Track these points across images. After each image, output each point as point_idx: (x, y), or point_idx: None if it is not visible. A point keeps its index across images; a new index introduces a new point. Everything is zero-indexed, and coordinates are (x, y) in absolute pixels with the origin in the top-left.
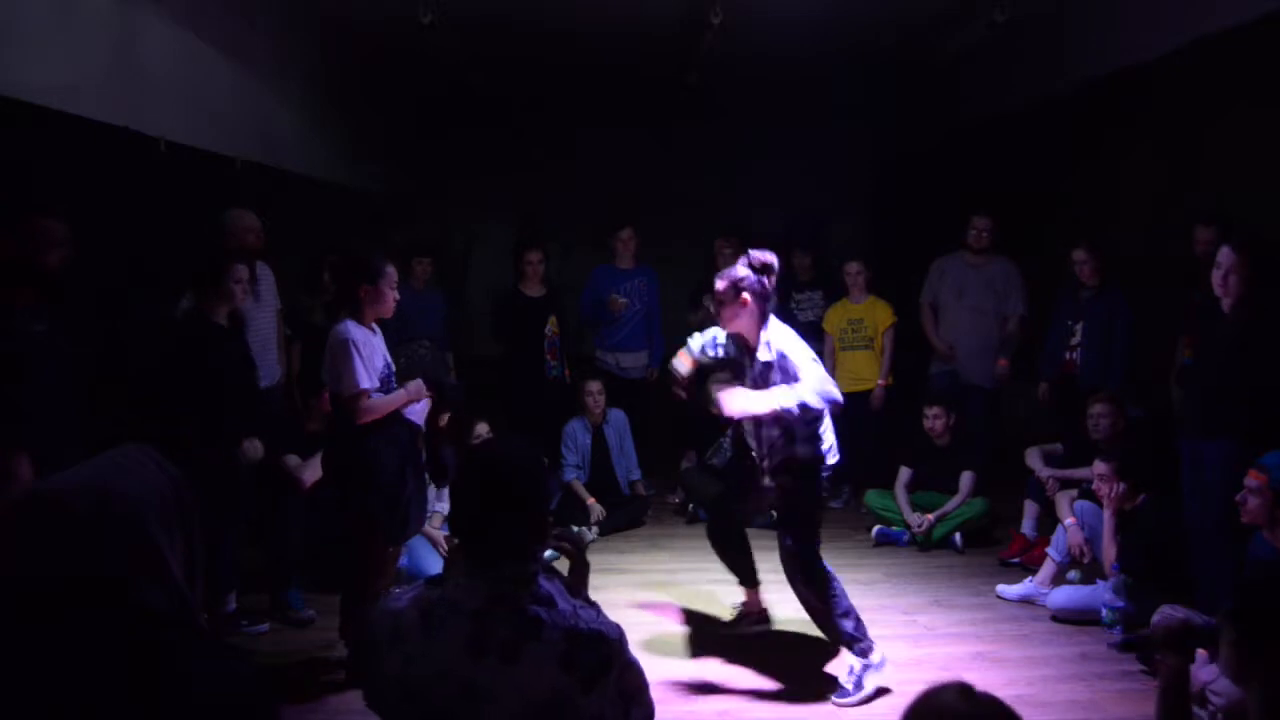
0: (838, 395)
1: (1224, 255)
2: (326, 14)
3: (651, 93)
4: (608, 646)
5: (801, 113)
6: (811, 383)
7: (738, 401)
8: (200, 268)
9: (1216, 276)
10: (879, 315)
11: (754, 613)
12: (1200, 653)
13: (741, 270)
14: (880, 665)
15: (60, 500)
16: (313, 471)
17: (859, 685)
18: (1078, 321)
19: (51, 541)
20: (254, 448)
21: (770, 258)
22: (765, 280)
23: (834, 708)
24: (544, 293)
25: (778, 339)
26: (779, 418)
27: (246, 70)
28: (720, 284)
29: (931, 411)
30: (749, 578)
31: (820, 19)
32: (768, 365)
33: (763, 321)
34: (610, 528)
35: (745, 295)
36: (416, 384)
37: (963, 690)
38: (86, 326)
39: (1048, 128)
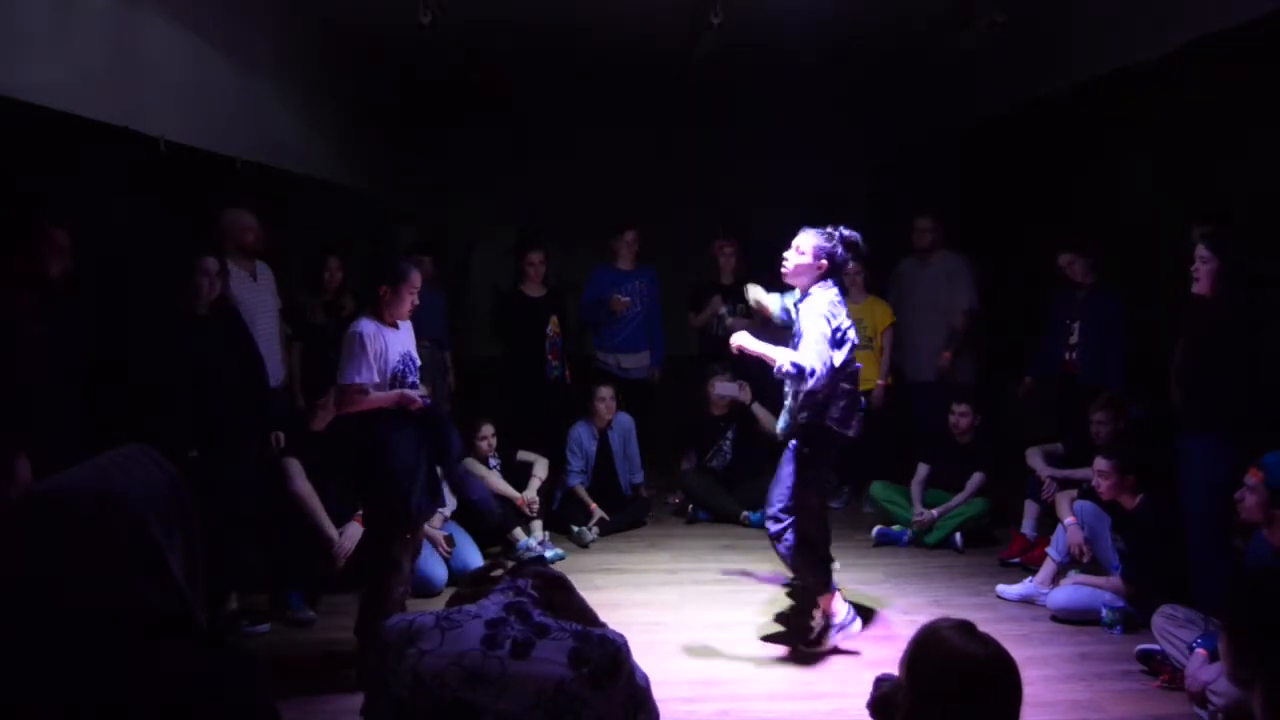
0: (814, 367)
1: (1199, 251)
2: (326, 14)
3: (652, 93)
4: (616, 649)
5: (801, 113)
6: (806, 352)
7: (743, 339)
8: (173, 262)
9: (1193, 271)
10: (878, 315)
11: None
12: (1200, 653)
13: (830, 236)
14: (847, 624)
15: (60, 500)
16: (350, 541)
17: (820, 640)
18: (1074, 321)
19: (51, 541)
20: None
21: (857, 237)
22: (845, 255)
23: (833, 707)
24: (545, 293)
25: (813, 305)
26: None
27: (246, 70)
28: (805, 238)
29: (959, 409)
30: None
31: (820, 19)
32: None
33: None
34: (610, 529)
35: (823, 262)
36: (399, 394)
37: (963, 626)
38: (86, 328)
39: (1048, 128)
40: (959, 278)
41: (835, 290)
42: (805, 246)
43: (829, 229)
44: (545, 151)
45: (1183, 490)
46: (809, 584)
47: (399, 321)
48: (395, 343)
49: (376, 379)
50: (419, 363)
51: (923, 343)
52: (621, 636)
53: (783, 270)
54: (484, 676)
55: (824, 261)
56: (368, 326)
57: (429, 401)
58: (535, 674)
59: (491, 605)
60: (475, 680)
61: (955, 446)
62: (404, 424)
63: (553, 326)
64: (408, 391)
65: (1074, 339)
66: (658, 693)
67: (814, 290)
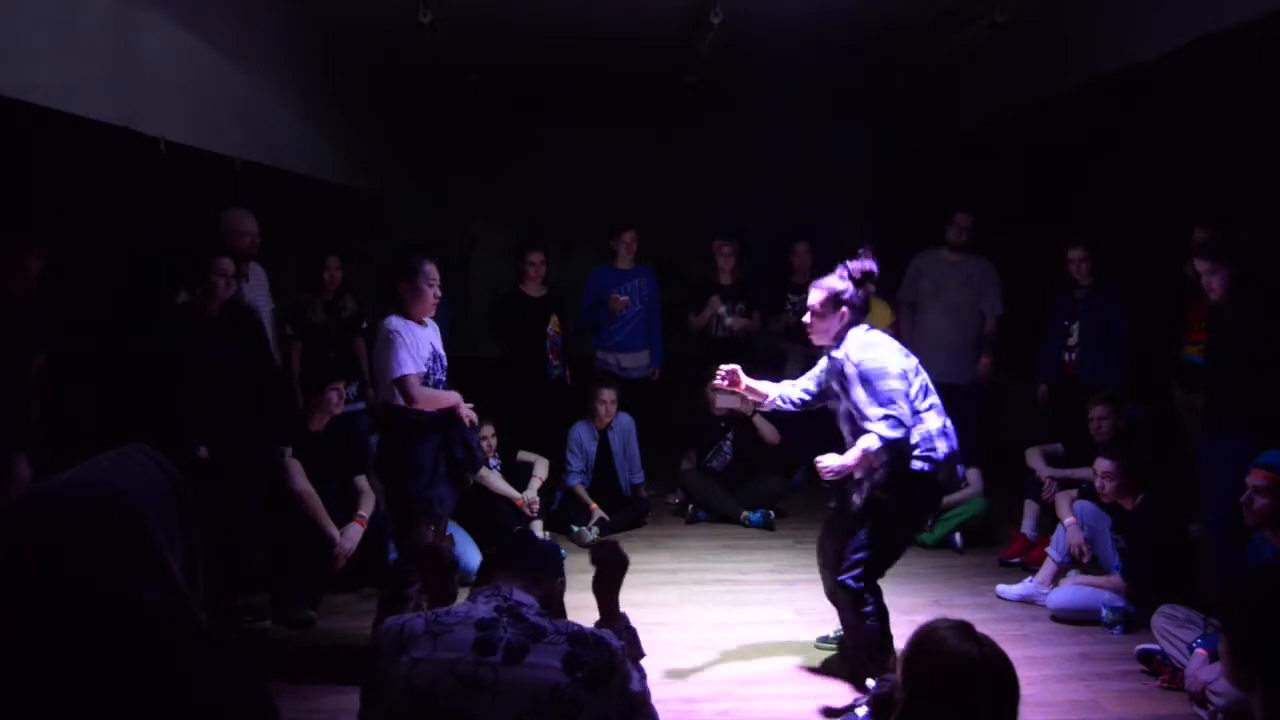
0: (903, 423)
1: (1201, 264)
2: (326, 14)
3: (652, 93)
4: (610, 652)
5: (801, 113)
6: (879, 416)
7: (829, 463)
8: (184, 263)
9: (1205, 285)
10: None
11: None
12: (1200, 653)
13: (841, 282)
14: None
15: (60, 500)
16: (350, 541)
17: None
18: (1073, 321)
19: (51, 541)
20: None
21: (871, 266)
22: (864, 291)
23: (834, 706)
24: (545, 293)
25: (856, 348)
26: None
27: (246, 70)
28: (817, 295)
29: None
30: None
31: (820, 19)
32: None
33: (846, 330)
34: (610, 529)
35: (845, 310)
36: (456, 394)
37: (960, 626)
38: (88, 326)
39: (1048, 127)
40: (989, 282)
41: (865, 329)
42: (817, 302)
43: (837, 270)
44: (545, 151)
45: (1207, 490)
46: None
47: (426, 319)
48: (424, 339)
49: (422, 369)
50: (446, 361)
51: (946, 344)
52: (619, 640)
53: (810, 338)
54: (478, 684)
55: (844, 310)
56: (397, 322)
57: (472, 415)
58: (529, 680)
59: (482, 606)
60: (469, 688)
61: None
62: (428, 422)
63: (553, 326)
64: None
65: (1073, 340)
66: (658, 693)
67: (848, 336)
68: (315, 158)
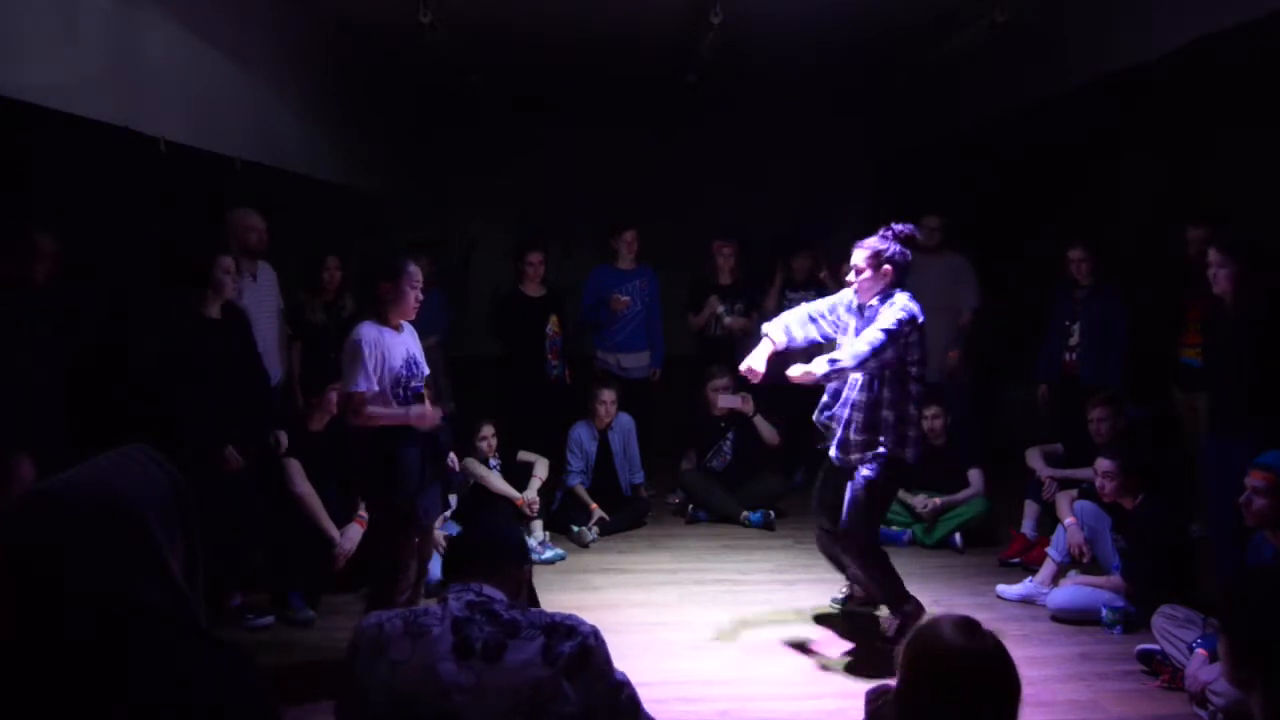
0: (863, 352)
1: (1212, 255)
2: (326, 14)
3: (651, 92)
4: (582, 636)
5: (801, 112)
6: (851, 345)
7: (794, 371)
8: (188, 261)
9: (1211, 276)
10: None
11: (862, 598)
12: (1200, 653)
13: (882, 243)
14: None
15: (60, 500)
16: (350, 542)
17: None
18: (1074, 322)
19: (51, 541)
20: (232, 456)
21: (913, 230)
22: (906, 251)
23: (833, 707)
24: (544, 293)
25: (890, 309)
26: (851, 402)
27: (246, 70)
28: (861, 254)
29: (930, 411)
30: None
31: (820, 19)
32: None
33: (891, 290)
34: (610, 529)
35: (887, 267)
36: (421, 409)
37: (962, 621)
38: (87, 326)
39: (1048, 128)
40: (964, 277)
41: (907, 296)
42: (862, 261)
43: (880, 231)
44: (545, 151)
45: (1210, 492)
46: (888, 598)
47: (403, 323)
48: (397, 346)
49: (375, 388)
50: (425, 369)
51: (932, 343)
52: (591, 625)
53: (856, 294)
54: (460, 685)
55: (887, 267)
56: (368, 332)
57: (442, 418)
58: (510, 677)
59: (455, 605)
60: (452, 690)
61: (931, 448)
62: (410, 432)
63: (552, 326)
64: (417, 410)
65: (1074, 340)
66: (658, 692)
67: (896, 295)
68: (315, 158)
